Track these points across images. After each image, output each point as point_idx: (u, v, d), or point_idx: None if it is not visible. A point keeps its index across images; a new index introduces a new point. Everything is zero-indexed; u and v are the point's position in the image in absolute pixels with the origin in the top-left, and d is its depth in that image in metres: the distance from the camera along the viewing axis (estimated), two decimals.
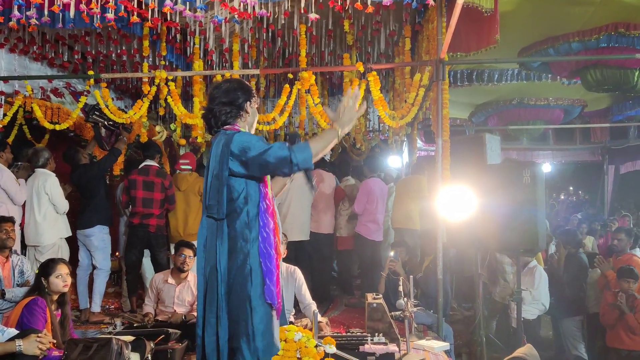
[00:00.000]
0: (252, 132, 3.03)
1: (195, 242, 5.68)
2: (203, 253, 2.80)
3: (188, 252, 5.11)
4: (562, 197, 19.76)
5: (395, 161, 9.21)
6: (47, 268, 3.91)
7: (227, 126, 2.88)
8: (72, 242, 5.94)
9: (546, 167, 12.36)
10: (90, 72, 5.80)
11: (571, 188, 20.42)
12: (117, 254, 6.91)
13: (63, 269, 3.93)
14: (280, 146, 2.68)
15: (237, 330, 2.71)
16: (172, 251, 5.94)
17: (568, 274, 6.09)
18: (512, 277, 6.00)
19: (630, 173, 12.40)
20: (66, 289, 3.97)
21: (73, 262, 4.95)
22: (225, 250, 2.72)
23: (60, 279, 3.90)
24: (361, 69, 5.17)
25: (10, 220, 4.72)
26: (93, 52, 6.70)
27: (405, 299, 4.28)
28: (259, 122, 5.58)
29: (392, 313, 4.34)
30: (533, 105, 9.24)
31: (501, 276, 6.31)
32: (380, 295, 4.76)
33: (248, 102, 2.96)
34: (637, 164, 11.80)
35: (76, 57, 6.75)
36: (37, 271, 4.00)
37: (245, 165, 2.71)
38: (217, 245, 2.72)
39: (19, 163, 5.79)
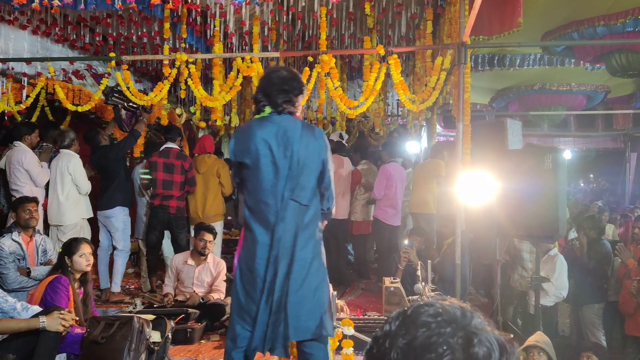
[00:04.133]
0: None
1: (214, 224, 5.80)
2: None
3: (208, 237, 5.16)
4: (582, 184, 19.51)
5: (413, 146, 9.15)
6: (70, 247, 3.96)
7: (293, 114, 2.91)
8: (93, 224, 6.02)
9: (567, 154, 12.20)
10: (112, 54, 5.83)
11: (592, 175, 20.16)
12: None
13: (86, 249, 3.99)
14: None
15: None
16: (192, 233, 5.99)
17: (591, 261, 6.03)
18: (530, 264, 5.96)
19: None
20: (89, 268, 4.02)
21: (94, 243, 5.02)
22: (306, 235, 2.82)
23: (84, 258, 3.95)
24: (382, 52, 5.12)
25: (34, 200, 4.79)
26: (114, 35, 6.73)
27: (423, 283, 4.28)
28: None
29: (410, 297, 4.35)
30: (555, 91, 9.10)
31: (519, 263, 6.27)
32: (398, 280, 4.77)
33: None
34: None
35: (97, 39, 6.80)
36: (60, 250, 4.06)
37: (324, 169, 2.87)
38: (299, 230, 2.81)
39: (43, 145, 5.87)
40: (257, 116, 2.89)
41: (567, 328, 6.50)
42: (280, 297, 2.71)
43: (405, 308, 0.93)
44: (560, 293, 5.66)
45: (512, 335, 0.91)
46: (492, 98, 10.18)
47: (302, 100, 2.95)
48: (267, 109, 2.85)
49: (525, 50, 7.71)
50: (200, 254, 5.19)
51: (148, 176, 6.03)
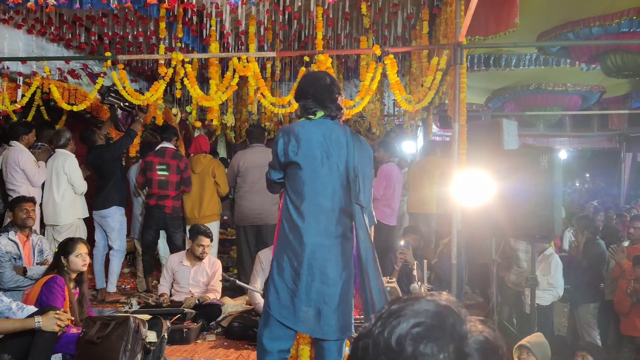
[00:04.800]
0: None
1: (210, 224, 5.79)
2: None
3: (206, 242, 5.15)
4: (577, 184, 19.58)
5: (409, 146, 9.16)
6: (67, 247, 3.96)
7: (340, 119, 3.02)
8: (89, 224, 6.00)
9: (562, 154, 12.24)
10: (107, 54, 5.81)
11: (587, 175, 20.23)
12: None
13: (82, 249, 3.98)
14: None
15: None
16: (188, 233, 5.99)
17: (586, 260, 6.05)
18: (525, 264, 5.97)
19: None
20: (85, 268, 4.02)
21: (90, 243, 5.01)
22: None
23: (80, 258, 3.95)
24: (378, 52, 5.12)
25: (31, 200, 4.79)
26: (110, 34, 6.70)
27: (419, 283, 4.29)
28: (273, 105, 5.60)
29: None
30: (551, 91, 9.11)
31: (515, 263, 6.29)
32: (394, 279, 4.77)
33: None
34: None
35: (93, 38, 6.77)
36: (56, 250, 4.06)
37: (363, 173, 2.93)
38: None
39: (40, 145, 5.85)
40: (303, 118, 2.96)
41: (562, 328, 6.52)
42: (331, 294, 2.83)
43: (378, 326, 0.84)
44: (557, 292, 5.69)
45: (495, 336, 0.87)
46: (488, 98, 10.20)
47: None
48: (320, 113, 2.93)
49: (521, 51, 7.72)
50: (198, 259, 5.19)
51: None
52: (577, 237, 6.38)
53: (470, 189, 4.48)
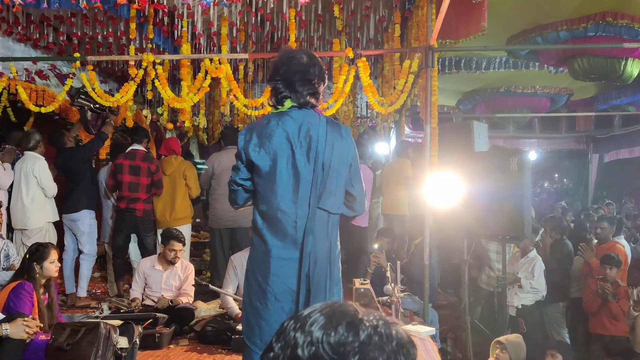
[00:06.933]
0: None
1: (182, 227, 5.73)
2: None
3: (178, 247, 5.10)
4: (546, 184, 19.94)
5: (382, 148, 9.22)
6: (40, 253, 3.89)
7: (314, 108, 2.57)
8: (58, 227, 5.89)
9: (532, 155, 12.45)
10: (76, 55, 5.71)
11: (556, 175, 20.62)
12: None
13: (55, 254, 3.93)
14: None
15: None
16: (159, 237, 5.92)
17: (554, 261, 6.16)
18: (497, 264, 6.06)
19: (614, 162, 12.52)
20: (57, 274, 3.96)
21: (59, 247, 4.93)
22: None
23: (54, 265, 3.90)
24: (351, 54, 5.14)
25: None
26: (79, 34, 6.59)
27: (393, 284, 4.32)
28: (246, 107, 5.58)
29: (380, 298, 4.38)
30: (520, 94, 9.26)
31: (486, 263, 6.38)
32: (368, 281, 4.80)
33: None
34: (621, 152, 11.92)
35: (61, 38, 6.65)
36: (27, 256, 3.96)
37: (353, 172, 2.59)
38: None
39: (4, 146, 5.73)
40: (274, 111, 2.54)
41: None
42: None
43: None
44: (540, 294, 5.79)
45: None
46: (459, 100, 10.31)
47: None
48: (288, 102, 2.49)
49: (491, 54, 7.83)
50: (170, 263, 5.13)
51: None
52: (545, 237, 6.50)
53: (442, 190, 4.53)
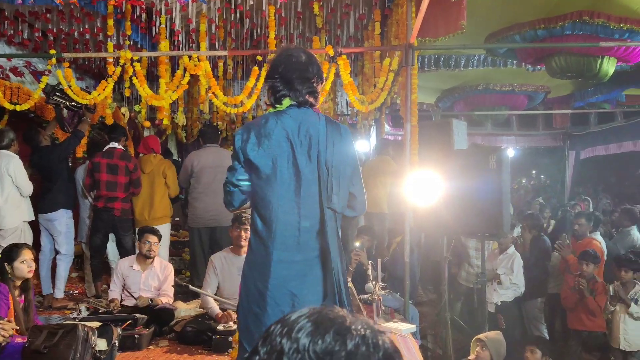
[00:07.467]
0: None
1: (161, 226, 5.67)
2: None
3: (153, 239, 5.05)
4: (524, 181, 20.19)
5: (363, 145, 9.25)
6: (10, 253, 3.82)
7: (313, 107, 2.55)
8: (34, 227, 5.79)
9: (509, 152, 12.59)
10: (52, 51, 5.61)
11: (534, 172, 20.88)
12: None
13: (28, 254, 3.85)
14: None
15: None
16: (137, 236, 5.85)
17: (532, 257, 6.24)
18: (476, 261, 6.12)
19: (590, 158, 12.74)
20: (31, 275, 3.89)
21: (35, 247, 4.84)
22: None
23: (25, 265, 3.82)
24: (331, 52, 5.13)
25: None
26: (54, 30, 6.47)
27: (374, 282, 4.33)
28: (226, 104, 5.54)
29: (361, 296, 4.38)
30: (498, 91, 9.36)
31: (466, 260, 6.43)
32: (349, 279, 4.79)
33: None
34: (597, 149, 12.13)
35: (37, 35, 6.51)
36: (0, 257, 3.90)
37: (354, 171, 2.53)
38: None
39: None
40: (271, 109, 2.50)
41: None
42: None
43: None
44: (519, 290, 5.86)
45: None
46: (438, 98, 10.38)
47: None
48: (286, 101, 2.46)
49: (469, 52, 7.90)
50: (145, 257, 5.07)
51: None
52: (524, 234, 6.57)
53: (422, 188, 4.55)
